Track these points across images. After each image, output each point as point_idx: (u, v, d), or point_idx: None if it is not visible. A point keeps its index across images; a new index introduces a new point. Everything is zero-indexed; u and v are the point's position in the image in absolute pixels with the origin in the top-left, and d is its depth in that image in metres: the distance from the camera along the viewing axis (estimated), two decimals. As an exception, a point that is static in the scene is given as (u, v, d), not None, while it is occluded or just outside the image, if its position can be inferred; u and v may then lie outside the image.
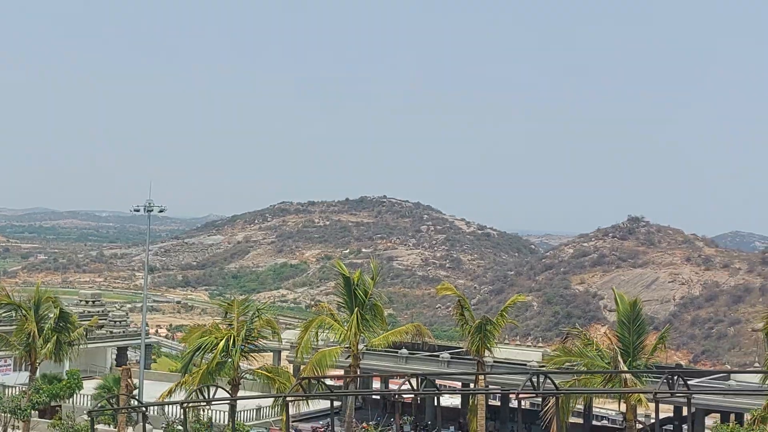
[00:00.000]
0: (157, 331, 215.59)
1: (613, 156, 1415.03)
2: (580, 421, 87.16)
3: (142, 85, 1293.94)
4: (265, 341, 54.12)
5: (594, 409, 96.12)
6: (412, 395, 54.28)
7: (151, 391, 70.08)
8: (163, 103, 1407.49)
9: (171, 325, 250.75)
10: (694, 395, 49.82)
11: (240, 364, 50.39)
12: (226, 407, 54.89)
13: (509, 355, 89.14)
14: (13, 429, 52.26)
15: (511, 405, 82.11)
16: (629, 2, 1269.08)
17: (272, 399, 52.36)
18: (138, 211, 79.97)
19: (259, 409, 75.93)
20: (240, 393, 51.03)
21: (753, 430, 42.10)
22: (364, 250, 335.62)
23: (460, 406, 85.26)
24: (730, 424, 58.84)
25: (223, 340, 48.64)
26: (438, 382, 70.23)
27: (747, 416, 64.76)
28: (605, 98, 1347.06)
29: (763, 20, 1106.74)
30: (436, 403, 64.36)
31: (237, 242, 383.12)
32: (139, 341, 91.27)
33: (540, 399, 64.53)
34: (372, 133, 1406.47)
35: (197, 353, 50.29)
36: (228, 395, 46.22)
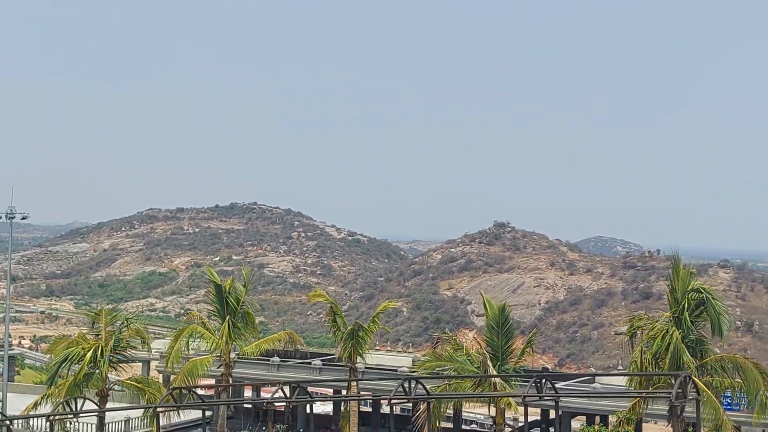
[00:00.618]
0: (20, 342, 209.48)
1: (479, 162, 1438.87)
2: (450, 425, 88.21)
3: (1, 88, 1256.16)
4: (134, 351, 53.21)
5: (464, 414, 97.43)
6: (284, 403, 54.11)
7: (16, 404, 68.04)
8: (23, 103, 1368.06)
9: (35, 335, 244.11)
10: (561, 398, 51.03)
11: (108, 375, 49.41)
12: (95, 419, 53.74)
13: (380, 361, 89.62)
14: None
15: (382, 411, 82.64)
16: None
17: (142, 410, 51.48)
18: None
19: (128, 421, 74.49)
20: (108, 404, 50.04)
21: (616, 430, 43.28)
22: (234, 257, 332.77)
23: (332, 413, 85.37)
24: (596, 426, 60.37)
25: (91, 351, 47.65)
26: (310, 389, 70.10)
27: (612, 418, 66.60)
28: (472, 107, 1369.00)
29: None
30: (308, 411, 64.33)
31: (103, 250, 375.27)
32: (2, 353, 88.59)
33: (411, 404, 65.10)
34: (242, 139, 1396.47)
35: (64, 364, 49.14)
36: (96, 407, 45.33)
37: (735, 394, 48.08)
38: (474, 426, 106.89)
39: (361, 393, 66.54)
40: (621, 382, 55.66)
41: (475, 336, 51.60)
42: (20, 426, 67.28)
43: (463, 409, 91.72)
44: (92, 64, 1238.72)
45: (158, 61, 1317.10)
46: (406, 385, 37.35)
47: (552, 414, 73.29)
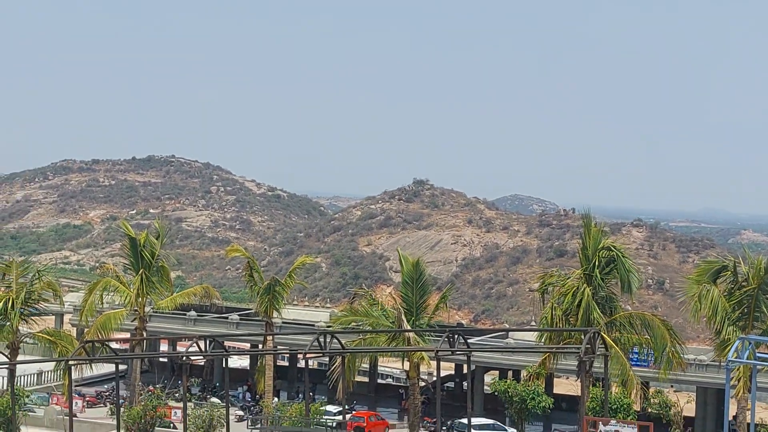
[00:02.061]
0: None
1: (400, 119, 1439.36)
2: (366, 379, 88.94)
3: None
4: (46, 304, 52.55)
5: (379, 368, 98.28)
6: (200, 357, 54.04)
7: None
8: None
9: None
10: (473, 353, 51.77)
11: (19, 327, 48.75)
12: (5, 372, 53.07)
13: (298, 316, 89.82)
14: None
15: (299, 365, 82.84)
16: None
17: (54, 363, 51.01)
18: None
19: (40, 374, 73.76)
20: (20, 357, 49.43)
21: (526, 385, 44.07)
22: (152, 210, 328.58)
23: (249, 367, 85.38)
24: (508, 381, 61.30)
25: (1, 303, 46.89)
26: (227, 343, 70.09)
27: (524, 373, 67.79)
28: (388, 64, 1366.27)
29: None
30: (224, 365, 64.33)
31: (15, 201, 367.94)
32: None
33: (327, 358, 65.48)
34: (160, 90, 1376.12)
35: (-27, 316, 48.34)
36: (6, 359, 44.76)
37: (643, 350, 49.26)
38: (389, 380, 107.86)
39: (278, 347, 66.67)
40: (533, 337, 56.62)
41: (392, 292, 51.96)
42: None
43: (378, 364, 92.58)
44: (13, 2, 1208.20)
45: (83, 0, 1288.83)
46: (321, 339, 37.59)
47: (465, 369, 74.26)
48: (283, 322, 77.98)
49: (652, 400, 43.30)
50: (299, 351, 43.64)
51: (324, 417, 42.51)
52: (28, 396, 53.18)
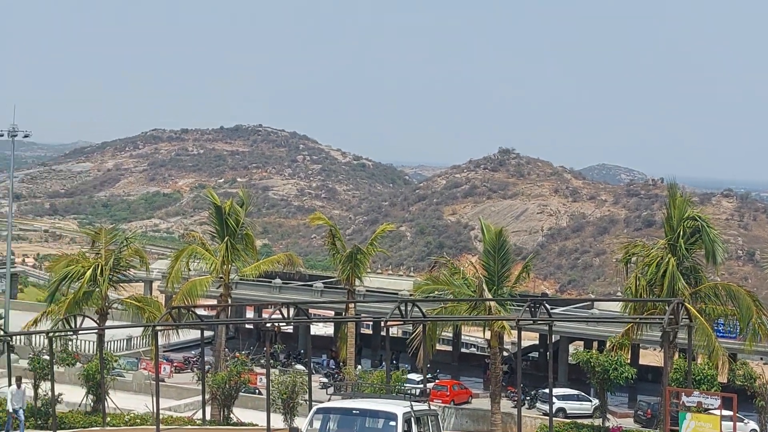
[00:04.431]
0: (23, 260, 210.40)
1: (486, 88, 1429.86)
2: (450, 348, 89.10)
3: (4, 2, 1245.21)
4: (134, 271, 53.43)
5: (463, 337, 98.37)
6: (285, 324, 54.58)
7: (18, 321, 68.73)
8: (31, 19, 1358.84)
9: (38, 254, 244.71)
10: (556, 323, 51.46)
11: (108, 293, 49.69)
12: (95, 337, 54.24)
13: (382, 285, 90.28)
14: None
15: (382, 333, 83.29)
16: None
17: (141, 329, 51.93)
18: (2, 135, 77.66)
19: (129, 339, 75.36)
20: (108, 323, 50.44)
21: (609, 355, 43.61)
22: (239, 179, 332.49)
23: (332, 335, 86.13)
24: (593, 351, 60.83)
25: (90, 269, 47.80)
26: (312, 311, 70.73)
27: (608, 343, 67.26)
28: (476, 31, 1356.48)
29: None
30: (308, 332, 64.92)
31: (107, 170, 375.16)
32: (4, 270, 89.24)
33: (410, 327, 65.65)
34: (248, 60, 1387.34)
35: (63, 282, 49.37)
36: (96, 324, 45.69)
37: (728, 321, 48.42)
38: (473, 349, 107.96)
39: (361, 315, 67.05)
40: (618, 308, 56.08)
41: (471, 261, 51.82)
42: (21, 342, 67.99)
43: (462, 333, 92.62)
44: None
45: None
46: (402, 307, 37.67)
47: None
48: (367, 291, 78.38)
49: (737, 371, 42.53)
50: (381, 319, 43.79)
51: (406, 384, 42.69)
52: (116, 361, 54.27)
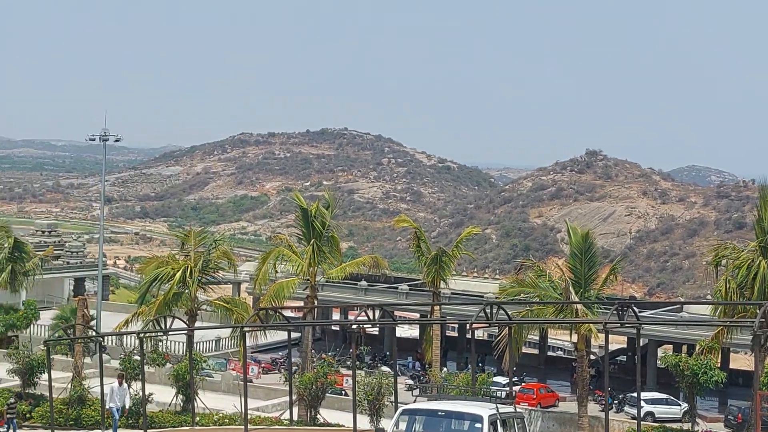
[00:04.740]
0: (115, 262, 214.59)
1: (572, 90, 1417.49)
2: (536, 351, 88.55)
3: (99, 10, 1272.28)
4: (223, 273, 54.14)
5: (549, 340, 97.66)
6: (370, 326, 54.77)
7: (109, 321, 70.18)
8: (120, 29, 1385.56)
9: (129, 256, 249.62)
10: (644, 326, 50.74)
11: (198, 295, 50.45)
12: (184, 338, 55.11)
13: (467, 287, 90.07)
14: (-32, 358, 52.16)
15: (467, 335, 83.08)
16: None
17: (230, 330, 52.61)
18: (94, 140, 79.10)
19: (218, 340, 76.30)
20: (197, 324, 51.20)
21: (698, 359, 42.92)
22: (325, 182, 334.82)
23: (418, 337, 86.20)
24: (682, 355, 59.98)
25: (180, 271, 48.61)
26: (398, 313, 70.95)
27: (697, 347, 66.16)
28: (563, 32, 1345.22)
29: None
30: (393, 334, 65.11)
31: (196, 173, 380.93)
32: (96, 272, 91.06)
33: (496, 329, 65.41)
34: (334, 64, 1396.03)
35: (154, 284, 50.27)
36: (185, 325, 46.40)
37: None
38: (560, 353, 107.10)
39: (446, 317, 66.96)
40: (708, 311, 55.12)
41: (558, 263, 51.36)
42: (112, 343, 69.39)
43: (549, 336, 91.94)
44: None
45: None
46: (488, 310, 37.54)
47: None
48: (452, 293, 78.31)
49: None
50: (466, 321, 43.70)
51: (491, 387, 42.49)
52: (205, 361, 55.06)
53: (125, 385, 40.97)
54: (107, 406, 40.06)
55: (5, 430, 40.29)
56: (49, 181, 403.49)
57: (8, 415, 40.57)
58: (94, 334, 50.42)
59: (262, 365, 74.71)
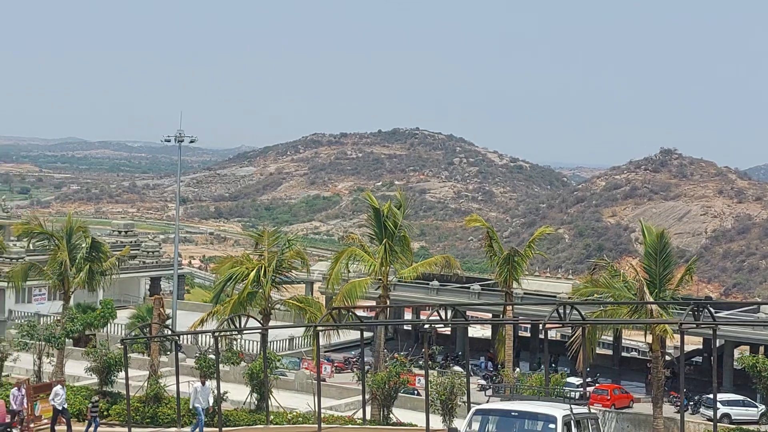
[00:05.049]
0: (190, 262, 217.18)
1: (646, 88, 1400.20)
2: (610, 352, 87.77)
3: (171, 13, 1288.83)
4: (296, 273, 54.47)
5: (624, 341, 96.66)
6: (442, 326, 54.77)
7: (185, 320, 71.12)
8: (194, 32, 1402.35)
9: (204, 256, 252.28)
10: (720, 327, 50.03)
11: (272, 294, 50.83)
12: (258, 337, 55.58)
13: (540, 287, 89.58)
14: (47, 356, 53.07)
15: (540, 336, 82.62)
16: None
17: (303, 329, 52.94)
18: (169, 141, 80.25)
19: (291, 339, 76.89)
20: (271, 323, 51.58)
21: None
22: (396, 182, 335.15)
23: (491, 337, 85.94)
24: (759, 356, 59.04)
25: (254, 271, 49.04)
26: (470, 313, 70.80)
27: (775, 348, 65.00)
28: (637, 30, 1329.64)
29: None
30: (466, 334, 64.93)
31: (269, 174, 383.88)
32: (172, 272, 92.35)
33: (569, 330, 64.96)
34: (405, 65, 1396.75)
35: (228, 283, 50.78)
36: (259, 324, 46.75)
37: None
38: (634, 353, 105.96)
39: (519, 318, 66.66)
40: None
41: (632, 263, 50.83)
42: (188, 341, 70.27)
43: (623, 336, 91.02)
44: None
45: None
46: (561, 310, 37.30)
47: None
48: (525, 293, 77.95)
49: None
50: (539, 321, 43.46)
51: (565, 388, 42.20)
52: (279, 360, 55.48)
53: (208, 384, 41.42)
54: (192, 405, 40.55)
55: (87, 427, 40.97)
56: (126, 181, 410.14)
57: (92, 414, 41.27)
58: (169, 333, 51.05)
59: (335, 364, 75.15)
